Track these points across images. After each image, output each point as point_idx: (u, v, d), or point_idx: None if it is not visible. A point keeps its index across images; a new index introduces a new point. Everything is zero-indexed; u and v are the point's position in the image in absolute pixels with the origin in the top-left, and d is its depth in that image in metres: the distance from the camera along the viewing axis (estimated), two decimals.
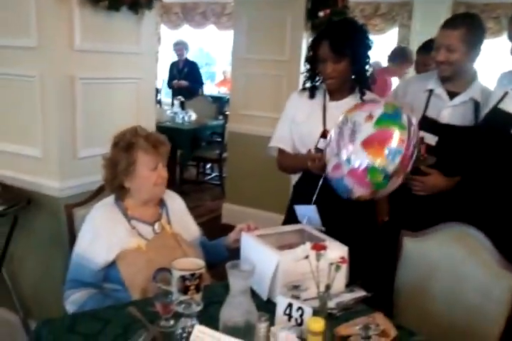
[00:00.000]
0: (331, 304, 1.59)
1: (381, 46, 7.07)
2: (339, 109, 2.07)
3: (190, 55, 11.26)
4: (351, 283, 1.71)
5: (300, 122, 2.21)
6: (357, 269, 1.75)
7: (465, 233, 1.75)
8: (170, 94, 8.88)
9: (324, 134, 2.11)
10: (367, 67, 2.19)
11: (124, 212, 1.84)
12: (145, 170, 1.81)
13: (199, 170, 6.10)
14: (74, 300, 1.72)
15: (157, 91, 8.14)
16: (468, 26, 2.11)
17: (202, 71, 11.81)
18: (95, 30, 2.42)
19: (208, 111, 5.89)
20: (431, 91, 2.27)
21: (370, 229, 2.23)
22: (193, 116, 5.43)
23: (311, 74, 2.25)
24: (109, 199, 1.88)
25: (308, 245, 1.42)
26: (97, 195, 2.00)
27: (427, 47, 4.24)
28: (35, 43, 2.25)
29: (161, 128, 5.16)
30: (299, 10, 4.20)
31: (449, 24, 2.14)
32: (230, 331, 1.29)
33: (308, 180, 2.14)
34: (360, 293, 1.67)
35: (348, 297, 1.64)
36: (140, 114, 2.69)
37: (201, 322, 1.34)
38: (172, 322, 1.44)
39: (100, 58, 2.47)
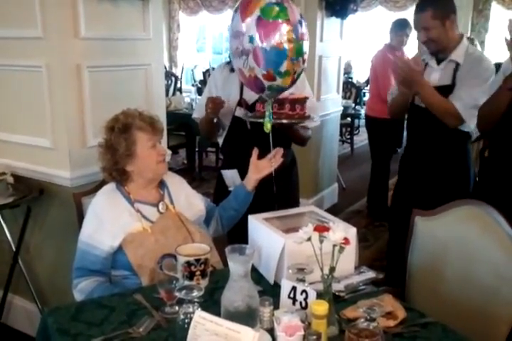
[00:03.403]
0: (340, 286, 1.56)
1: None
2: None
3: (210, 41, 11.22)
4: None
5: (217, 93, 2.37)
6: None
7: (478, 210, 1.68)
8: (190, 82, 8.90)
9: (240, 103, 2.32)
10: None
11: (127, 196, 1.83)
12: (145, 149, 1.82)
13: (218, 157, 6.08)
14: (81, 289, 1.73)
15: (176, 78, 8.15)
16: (434, 4, 2.37)
17: (222, 57, 11.78)
18: (100, 18, 2.40)
19: None
20: (425, 61, 2.56)
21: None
22: None
23: None
24: (111, 186, 1.88)
25: (310, 227, 1.38)
26: (104, 183, 1.99)
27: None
28: (40, 33, 2.24)
29: (178, 115, 5.21)
30: None
31: (418, 9, 2.44)
32: (231, 316, 1.27)
33: (231, 141, 2.41)
34: (370, 275, 1.63)
35: (358, 279, 1.61)
36: (150, 100, 2.67)
37: (207, 308, 1.33)
38: (177, 308, 1.43)
39: (107, 46, 2.45)
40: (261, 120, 1.95)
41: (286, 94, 2.01)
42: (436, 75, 2.50)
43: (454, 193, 2.33)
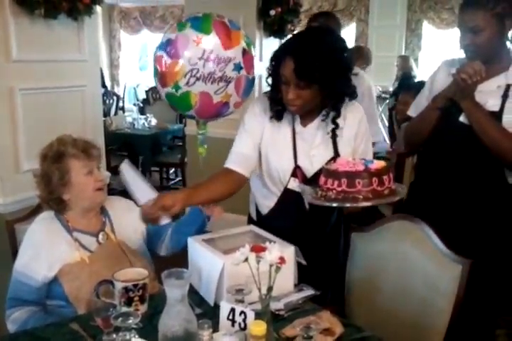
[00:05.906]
0: (279, 305, 1.57)
1: None
2: (310, 136, 1.84)
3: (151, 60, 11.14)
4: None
5: (268, 154, 1.87)
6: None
7: (410, 225, 1.74)
8: (133, 101, 8.80)
9: (295, 173, 1.82)
10: (344, 87, 1.74)
11: (65, 224, 1.78)
12: (80, 176, 1.75)
13: (162, 176, 6.03)
14: (14, 319, 1.66)
15: (118, 98, 8.06)
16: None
17: None
18: (33, 40, 2.37)
19: (168, 116, 5.82)
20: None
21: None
22: (153, 121, 5.36)
23: (277, 95, 1.77)
24: (49, 213, 1.82)
25: (247, 247, 1.39)
26: (39, 209, 1.94)
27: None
28: None
29: (120, 135, 5.14)
30: (251, 9, 4.19)
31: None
32: None
33: (280, 214, 1.92)
34: (309, 292, 1.65)
35: (297, 296, 1.62)
36: (86, 121, 2.65)
37: (146, 334, 1.31)
38: (114, 336, 1.39)
39: (41, 68, 2.42)
40: (334, 204, 1.58)
41: (358, 162, 1.62)
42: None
43: None
